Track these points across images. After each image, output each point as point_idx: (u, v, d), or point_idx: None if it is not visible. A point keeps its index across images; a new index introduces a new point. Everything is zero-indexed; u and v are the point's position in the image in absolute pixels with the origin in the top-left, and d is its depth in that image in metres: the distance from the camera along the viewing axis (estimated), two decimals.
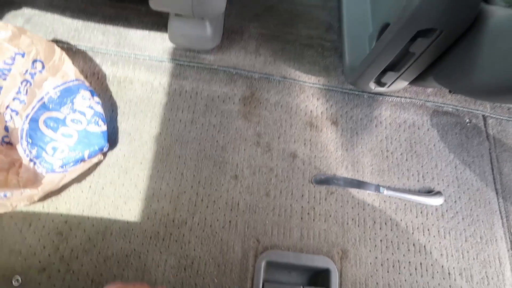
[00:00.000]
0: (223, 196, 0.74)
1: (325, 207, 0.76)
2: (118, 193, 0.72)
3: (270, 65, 0.87)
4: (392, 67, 0.67)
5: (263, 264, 0.70)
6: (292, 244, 0.72)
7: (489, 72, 0.55)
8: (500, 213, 0.80)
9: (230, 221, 0.72)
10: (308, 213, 0.75)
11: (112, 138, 0.75)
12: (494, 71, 0.54)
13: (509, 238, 0.78)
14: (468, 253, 0.76)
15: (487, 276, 0.74)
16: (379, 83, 0.73)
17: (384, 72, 0.69)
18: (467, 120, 0.87)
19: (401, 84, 0.72)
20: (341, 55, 0.89)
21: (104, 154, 0.74)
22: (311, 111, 0.83)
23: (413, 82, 0.76)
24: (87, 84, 0.75)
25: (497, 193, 0.81)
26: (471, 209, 0.79)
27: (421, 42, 0.59)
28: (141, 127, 0.77)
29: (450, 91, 0.70)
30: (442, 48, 0.60)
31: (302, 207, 0.75)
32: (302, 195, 0.76)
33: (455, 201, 0.79)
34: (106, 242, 0.69)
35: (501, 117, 0.89)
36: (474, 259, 0.75)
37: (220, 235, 0.71)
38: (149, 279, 0.67)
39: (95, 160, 0.71)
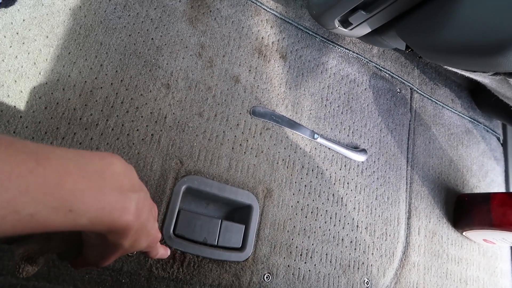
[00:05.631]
0: (149, 104, 0.61)
1: (258, 142, 0.70)
2: (7, 66, 0.52)
3: None
4: (365, 6, 0.63)
5: (183, 188, 0.60)
6: (217, 173, 0.64)
7: (461, 30, 0.55)
8: (406, 179, 0.86)
9: (152, 135, 0.60)
10: (240, 144, 0.68)
11: None
12: (467, 29, 0.55)
13: (408, 202, 0.85)
14: (375, 210, 0.79)
15: (386, 233, 0.79)
16: (344, 22, 0.69)
17: (354, 10, 0.65)
18: (398, 90, 0.91)
19: (364, 29, 0.69)
20: None
21: None
22: (262, 38, 0.75)
23: (372, 34, 0.74)
24: None
25: (407, 161, 0.87)
26: (385, 171, 0.83)
27: None
28: None
29: (406, 49, 0.70)
30: None
31: (235, 136, 0.68)
32: (238, 124, 0.68)
33: (374, 161, 0.82)
34: None
35: (424, 95, 0.95)
36: (379, 216, 0.80)
37: (137, 148, 0.59)
38: None
39: None
